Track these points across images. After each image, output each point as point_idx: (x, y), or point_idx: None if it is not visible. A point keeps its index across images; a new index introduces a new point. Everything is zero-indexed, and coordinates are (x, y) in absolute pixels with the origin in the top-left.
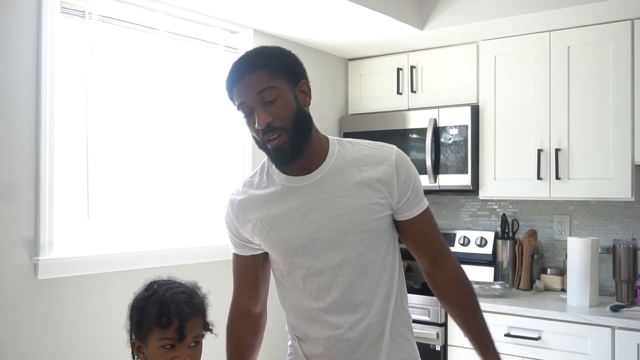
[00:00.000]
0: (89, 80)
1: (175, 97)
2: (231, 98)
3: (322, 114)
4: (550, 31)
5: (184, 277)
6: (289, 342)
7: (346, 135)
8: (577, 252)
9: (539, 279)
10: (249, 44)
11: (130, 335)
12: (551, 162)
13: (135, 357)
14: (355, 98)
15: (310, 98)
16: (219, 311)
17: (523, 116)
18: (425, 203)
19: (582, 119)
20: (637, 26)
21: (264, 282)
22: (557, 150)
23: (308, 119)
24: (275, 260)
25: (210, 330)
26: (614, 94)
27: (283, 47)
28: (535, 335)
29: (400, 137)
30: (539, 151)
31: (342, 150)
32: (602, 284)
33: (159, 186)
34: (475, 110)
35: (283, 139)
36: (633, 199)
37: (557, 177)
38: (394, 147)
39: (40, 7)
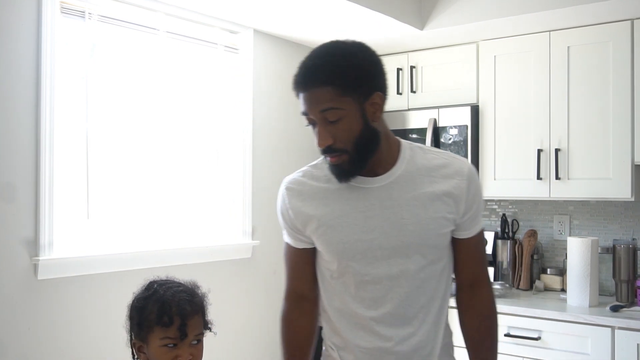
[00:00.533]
0: (89, 80)
1: (175, 97)
2: (297, 96)
3: None
4: (550, 31)
5: (183, 277)
6: (324, 350)
7: None
8: (577, 252)
9: (538, 279)
10: (249, 44)
11: (130, 336)
12: (551, 162)
13: (136, 357)
14: None
15: (381, 111)
16: (218, 311)
17: (523, 116)
18: (481, 224)
19: (582, 119)
20: (636, 26)
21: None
22: (557, 150)
23: (374, 136)
24: (327, 259)
25: (209, 329)
26: (614, 94)
27: (364, 48)
28: (535, 335)
29: (400, 137)
30: (539, 151)
31: (413, 156)
32: (602, 284)
33: (159, 186)
34: (475, 110)
35: (343, 159)
36: (633, 199)
37: (557, 177)
38: (466, 160)
39: (40, 7)
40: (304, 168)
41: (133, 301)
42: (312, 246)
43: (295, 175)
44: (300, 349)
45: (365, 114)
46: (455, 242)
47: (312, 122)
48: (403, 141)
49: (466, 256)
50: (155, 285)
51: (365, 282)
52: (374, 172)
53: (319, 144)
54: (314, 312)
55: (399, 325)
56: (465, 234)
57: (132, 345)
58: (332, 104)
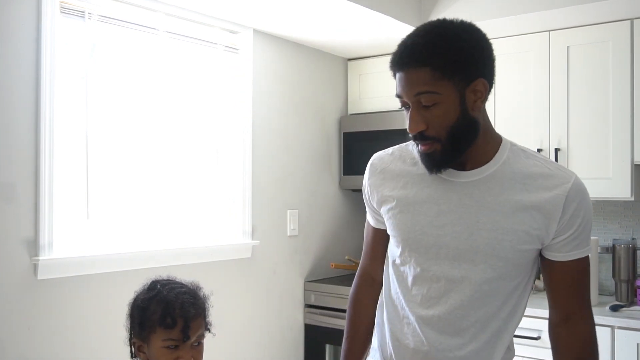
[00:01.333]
0: (89, 80)
1: (175, 97)
2: (393, 77)
3: (322, 113)
4: (549, 31)
5: (184, 277)
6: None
7: (346, 135)
8: None
9: (538, 278)
10: (248, 44)
11: (130, 334)
12: None
13: (135, 356)
14: (355, 98)
15: (483, 100)
16: (218, 311)
17: (523, 116)
18: (585, 251)
19: (582, 119)
20: (636, 26)
21: None
22: (556, 150)
23: (472, 126)
24: (393, 243)
25: (209, 330)
26: (614, 93)
27: (472, 29)
28: (535, 335)
29: (400, 137)
30: (539, 151)
31: (512, 158)
32: (601, 284)
33: (159, 186)
34: None
35: (435, 147)
36: (632, 199)
37: None
38: (574, 175)
39: (40, 7)
40: (395, 147)
41: (135, 300)
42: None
43: (383, 152)
44: (360, 328)
45: (464, 101)
46: (548, 264)
47: (405, 105)
48: (505, 140)
49: (561, 283)
50: (159, 286)
51: (424, 278)
52: (463, 166)
53: (410, 129)
54: (379, 294)
55: (447, 333)
56: (559, 256)
57: (132, 344)
58: (428, 87)
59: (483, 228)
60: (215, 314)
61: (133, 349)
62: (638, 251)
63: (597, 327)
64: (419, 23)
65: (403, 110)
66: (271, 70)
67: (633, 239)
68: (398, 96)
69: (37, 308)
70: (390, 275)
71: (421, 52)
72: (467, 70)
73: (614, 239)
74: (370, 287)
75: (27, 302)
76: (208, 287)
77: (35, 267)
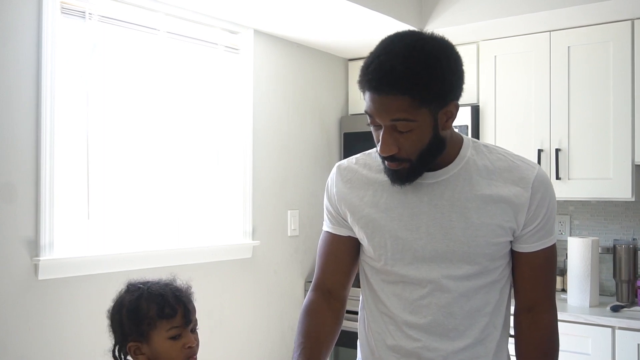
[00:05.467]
0: (90, 80)
1: (176, 97)
2: (361, 90)
3: (323, 114)
4: (550, 31)
5: (184, 277)
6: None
7: (347, 135)
8: (578, 252)
9: None
10: (249, 44)
11: (119, 341)
12: (551, 162)
13: None
14: (356, 98)
15: (454, 119)
16: (219, 311)
17: (523, 116)
18: (550, 240)
19: (583, 119)
20: (637, 26)
21: (355, 267)
22: (557, 151)
23: (441, 144)
24: (367, 255)
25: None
26: (614, 94)
27: (448, 51)
28: None
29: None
30: (540, 151)
31: (475, 155)
32: (602, 284)
33: (160, 186)
34: (476, 111)
35: (403, 166)
36: (633, 199)
37: (558, 177)
38: (537, 165)
39: (41, 7)
40: (358, 155)
41: (119, 306)
42: (356, 236)
43: (347, 161)
44: (320, 342)
45: (437, 123)
46: (514, 256)
47: (376, 125)
48: (466, 138)
49: (526, 274)
50: (139, 285)
51: (405, 283)
52: (429, 167)
53: (382, 151)
54: (341, 312)
55: (435, 333)
56: (526, 247)
57: (128, 349)
58: (406, 115)
59: (457, 227)
60: (215, 314)
61: (128, 355)
62: (639, 251)
63: (598, 328)
64: (420, 23)
65: (371, 126)
66: (272, 70)
67: (634, 239)
68: (370, 115)
69: (37, 308)
70: (369, 285)
71: (402, 81)
72: (445, 97)
73: (615, 240)
74: (327, 301)
75: (27, 302)
76: (209, 288)
77: (35, 267)
